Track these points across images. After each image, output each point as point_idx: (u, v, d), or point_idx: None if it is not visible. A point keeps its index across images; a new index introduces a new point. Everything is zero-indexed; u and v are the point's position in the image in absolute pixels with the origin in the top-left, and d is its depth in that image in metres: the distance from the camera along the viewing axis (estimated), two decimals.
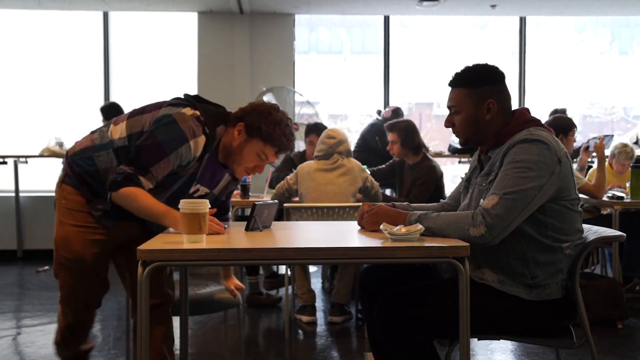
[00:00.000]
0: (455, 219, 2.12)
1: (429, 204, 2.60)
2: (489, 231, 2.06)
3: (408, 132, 4.69)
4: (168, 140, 2.33)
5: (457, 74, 2.30)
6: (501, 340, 3.62)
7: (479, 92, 2.26)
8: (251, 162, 2.47)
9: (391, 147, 4.76)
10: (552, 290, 2.19)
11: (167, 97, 2.54)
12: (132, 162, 2.33)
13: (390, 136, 4.75)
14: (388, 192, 5.49)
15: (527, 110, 2.33)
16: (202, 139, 2.38)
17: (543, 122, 2.32)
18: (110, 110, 6.40)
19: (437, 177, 4.64)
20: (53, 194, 2.78)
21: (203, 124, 2.38)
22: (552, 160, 2.12)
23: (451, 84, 2.32)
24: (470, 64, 2.31)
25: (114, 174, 2.34)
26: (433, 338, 2.24)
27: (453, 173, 7.77)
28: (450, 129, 2.37)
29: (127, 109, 6.48)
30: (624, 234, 2.28)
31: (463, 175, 2.55)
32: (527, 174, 2.08)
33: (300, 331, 4.22)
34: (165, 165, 2.33)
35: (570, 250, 2.21)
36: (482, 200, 2.17)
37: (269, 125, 2.42)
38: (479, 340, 2.39)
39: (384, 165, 4.95)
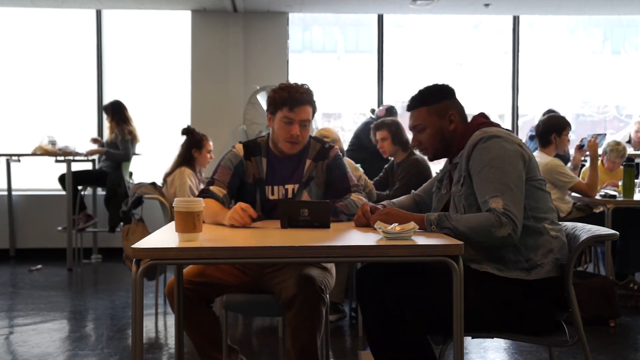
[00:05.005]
0: (476, 222, 2.17)
1: (402, 197, 2.68)
2: (515, 229, 2.15)
3: (397, 128, 4.72)
4: (220, 159, 2.87)
5: (414, 97, 2.48)
6: (495, 339, 3.64)
7: (438, 107, 2.42)
8: (283, 131, 2.73)
9: (381, 144, 4.76)
10: (549, 268, 2.26)
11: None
12: (206, 184, 2.85)
13: (379, 134, 4.76)
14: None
15: (483, 115, 2.47)
16: (239, 145, 2.85)
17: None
18: (115, 109, 6.41)
19: (420, 170, 4.63)
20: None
21: (241, 142, 2.89)
22: (514, 148, 2.25)
23: (410, 107, 2.49)
24: (422, 87, 2.49)
25: None
26: (429, 333, 2.28)
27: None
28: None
29: None
30: (617, 233, 2.31)
31: (436, 172, 2.66)
32: (506, 167, 2.21)
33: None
34: (222, 171, 2.79)
35: (554, 232, 2.29)
36: (461, 206, 2.28)
37: (273, 97, 2.76)
38: (472, 338, 2.40)
39: (378, 177, 4.96)
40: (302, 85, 2.78)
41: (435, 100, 2.43)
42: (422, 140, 2.45)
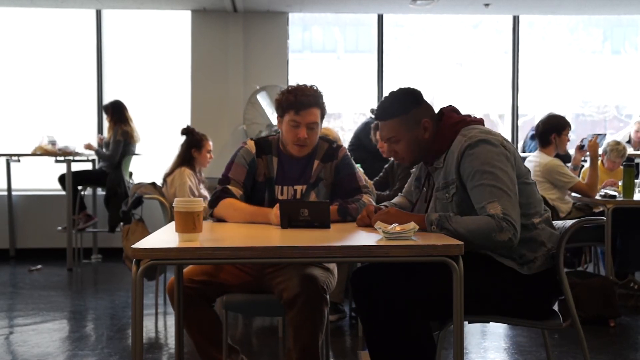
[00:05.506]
0: (477, 226, 2.18)
1: (398, 198, 2.67)
2: (515, 233, 2.18)
3: None
4: (232, 156, 2.82)
5: (382, 108, 2.42)
6: (494, 342, 3.64)
7: (409, 116, 2.37)
8: (290, 134, 2.71)
9: (381, 144, 4.75)
10: (541, 263, 2.31)
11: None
12: (219, 182, 2.78)
13: (379, 134, 4.74)
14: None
15: (453, 108, 2.44)
16: (250, 142, 2.81)
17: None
18: (114, 109, 6.40)
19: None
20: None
21: (253, 139, 2.87)
22: (500, 150, 2.26)
23: (380, 117, 2.43)
24: (388, 95, 2.43)
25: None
26: (429, 319, 2.31)
27: None
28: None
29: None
30: (604, 218, 2.36)
31: (412, 170, 2.65)
32: (497, 173, 2.22)
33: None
34: (237, 169, 2.74)
35: (542, 225, 2.33)
36: (450, 213, 2.27)
37: (280, 100, 2.74)
38: (469, 323, 2.42)
39: (378, 177, 4.95)
40: (310, 87, 2.74)
41: (405, 111, 2.38)
42: (398, 151, 2.42)
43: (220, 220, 2.67)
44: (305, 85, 2.75)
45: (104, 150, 6.43)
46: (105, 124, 6.67)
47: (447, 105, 2.48)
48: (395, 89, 2.45)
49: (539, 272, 2.30)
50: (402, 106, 2.39)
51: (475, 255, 2.25)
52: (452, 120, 2.39)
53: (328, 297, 2.56)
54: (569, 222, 2.50)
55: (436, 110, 2.46)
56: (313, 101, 2.70)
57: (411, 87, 2.44)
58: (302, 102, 2.68)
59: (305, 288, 2.47)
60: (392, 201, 2.67)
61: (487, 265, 2.28)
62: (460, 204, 2.29)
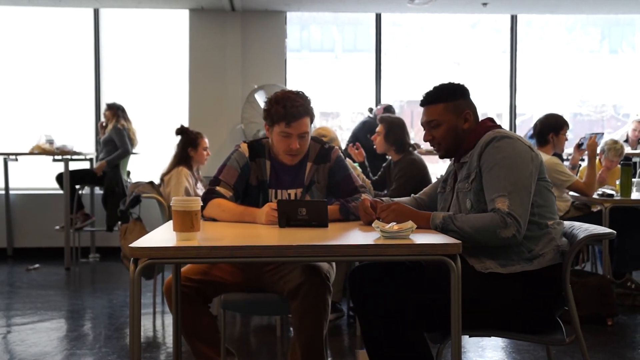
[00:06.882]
0: (482, 223, 2.21)
1: (403, 199, 2.67)
2: (519, 230, 2.20)
3: (393, 127, 4.67)
4: (226, 159, 2.81)
5: (431, 93, 2.49)
6: (492, 337, 3.64)
7: (455, 104, 2.45)
8: (282, 145, 2.70)
9: (375, 137, 4.76)
10: (551, 257, 2.31)
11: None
12: (209, 183, 2.78)
13: (378, 127, 4.76)
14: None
15: (491, 119, 2.50)
16: (244, 145, 2.80)
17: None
18: (119, 108, 6.44)
19: (417, 171, 4.59)
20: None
21: (246, 141, 2.85)
22: (525, 149, 2.30)
23: (426, 102, 2.49)
24: (438, 84, 2.51)
25: None
26: (427, 331, 2.30)
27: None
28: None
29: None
30: (614, 232, 2.35)
31: (439, 176, 2.68)
32: (516, 167, 2.24)
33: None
34: (228, 171, 2.73)
35: (555, 226, 2.35)
36: (468, 201, 2.31)
37: (269, 109, 2.69)
38: (470, 337, 2.41)
39: (376, 176, 4.95)
40: (298, 94, 2.70)
41: (453, 98, 2.46)
42: (435, 136, 2.46)
43: (212, 220, 2.67)
44: (292, 93, 2.70)
45: (103, 153, 6.43)
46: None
47: (486, 117, 2.54)
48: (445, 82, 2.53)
49: (547, 270, 2.28)
50: (450, 94, 2.46)
51: (479, 273, 2.26)
52: (488, 124, 2.45)
53: (331, 286, 2.56)
54: (567, 224, 2.50)
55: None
56: (303, 111, 2.67)
57: (461, 83, 2.52)
58: (292, 113, 2.64)
59: (308, 276, 2.49)
60: (397, 199, 2.66)
61: (491, 281, 2.26)
62: (478, 193, 2.31)
